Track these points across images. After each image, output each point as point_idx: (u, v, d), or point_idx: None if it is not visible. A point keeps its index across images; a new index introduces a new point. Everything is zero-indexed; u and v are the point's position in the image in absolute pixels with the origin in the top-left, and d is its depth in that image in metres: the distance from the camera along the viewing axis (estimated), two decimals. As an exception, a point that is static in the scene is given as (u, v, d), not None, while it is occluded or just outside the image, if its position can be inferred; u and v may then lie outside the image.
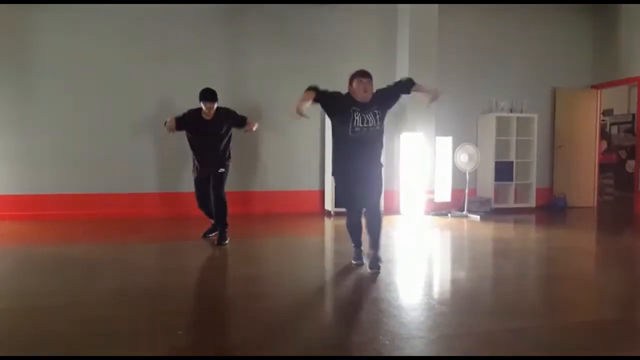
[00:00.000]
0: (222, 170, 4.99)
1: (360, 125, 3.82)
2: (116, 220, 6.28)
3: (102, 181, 6.55)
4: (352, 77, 3.88)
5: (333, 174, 4.14)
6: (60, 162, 6.45)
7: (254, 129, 5.21)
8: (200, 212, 5.24)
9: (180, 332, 2.62)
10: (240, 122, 5.15)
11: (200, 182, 5.09)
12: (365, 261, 3.99)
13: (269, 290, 3.55)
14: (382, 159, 4.05)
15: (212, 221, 5.15)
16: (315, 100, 3.81)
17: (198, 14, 6.80)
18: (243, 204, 6.75)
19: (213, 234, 5.14)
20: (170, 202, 6.63)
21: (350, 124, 3.81)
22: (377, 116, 3.87)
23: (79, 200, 6.46)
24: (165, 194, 6.70)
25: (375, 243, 3.96)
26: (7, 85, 6.33)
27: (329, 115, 4.06)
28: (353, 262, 4.10)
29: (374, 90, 3.92)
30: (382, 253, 4.03)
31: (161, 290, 3.41)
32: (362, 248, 4.13)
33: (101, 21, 6.51)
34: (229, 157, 5.11)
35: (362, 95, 3.83)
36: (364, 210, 3.98)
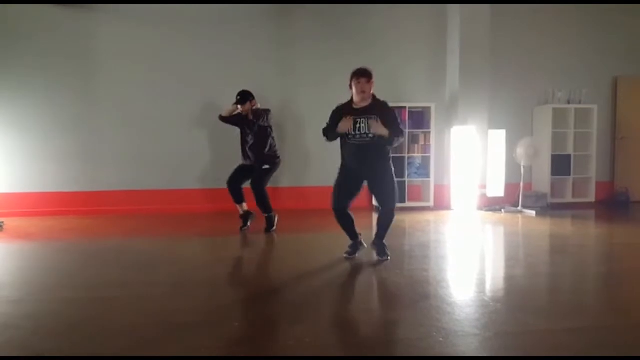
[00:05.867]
0: (266, 167, 5.30)
1: (353, 132, 3.79)
2: (169, 215, 6.51)
3: (157, 178, 6.79)
4: (352, 76, 3.83)
5: (340, 167, 4.06)
6: (119, 161, 6.75)
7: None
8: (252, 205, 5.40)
9: (236, 323, 2.70)
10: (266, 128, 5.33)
11: (240, 168, 5.41)
12: (373, 249, 4.05)
13: (320, 285, 3.59)
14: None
15: (240, 209, 5.43)
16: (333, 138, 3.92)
17: (248, 15, 6.90)
18: (295, 199, 6.86)
19: (247, 226, 5.39)
20: (224, 197, 6.79)
21: (347, 131, 3.82)
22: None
23: (135, 196, 6.74)
24: (219, 190, 6.87)
25: (380, 235, 4.03)
26: (72, 89, 6.64)
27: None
28: (345, 254, 4.06)
29: (379, 99, 3.87)
30: (434, 249, 3.97)
31: (215, 283, 3.52)
32: (361, 241, 4.11)
33: (158, 24, 6.72)
34: (275, 155, 5.34)
35: (359, 95, 3.78)
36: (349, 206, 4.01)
